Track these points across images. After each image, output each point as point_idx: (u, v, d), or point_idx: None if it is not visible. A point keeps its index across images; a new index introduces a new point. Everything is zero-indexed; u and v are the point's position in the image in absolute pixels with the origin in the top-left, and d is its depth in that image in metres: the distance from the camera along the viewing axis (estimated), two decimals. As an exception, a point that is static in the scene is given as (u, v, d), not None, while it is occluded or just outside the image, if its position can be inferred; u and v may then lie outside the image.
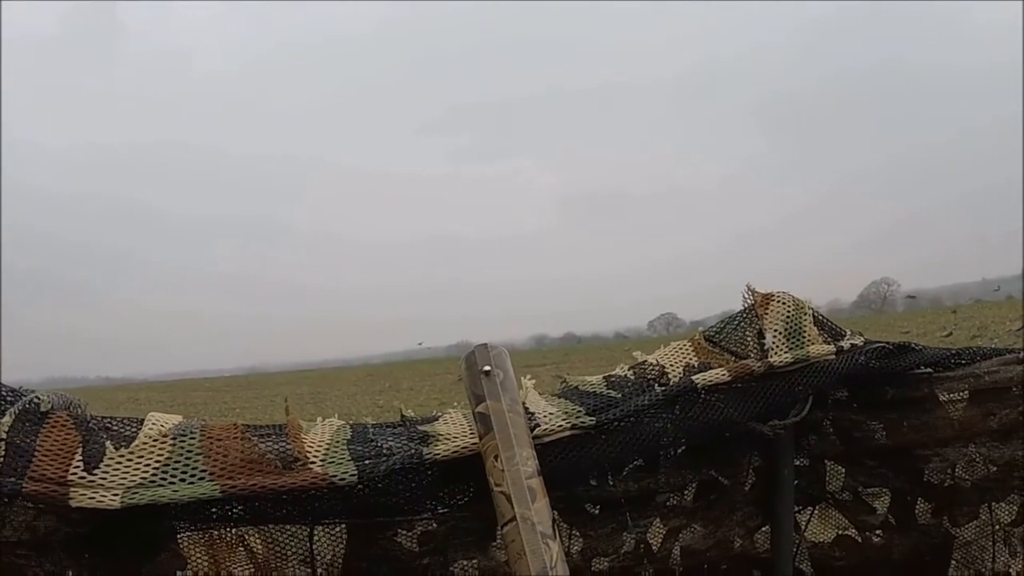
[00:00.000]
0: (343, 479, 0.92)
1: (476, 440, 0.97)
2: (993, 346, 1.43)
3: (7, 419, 0.89)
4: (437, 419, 1.04)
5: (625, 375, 1.14)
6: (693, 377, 1.11)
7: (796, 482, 1.43)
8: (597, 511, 1.22)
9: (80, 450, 0.90)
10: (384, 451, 0.95)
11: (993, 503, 1.42)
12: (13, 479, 0.86)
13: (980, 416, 1.36)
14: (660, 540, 1.29)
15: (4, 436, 0.88)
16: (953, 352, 1.39)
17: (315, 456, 0.94)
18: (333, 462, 0.94)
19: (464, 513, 1.10)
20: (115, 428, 0.95)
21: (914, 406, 1.37)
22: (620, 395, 1.09)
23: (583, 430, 1.03)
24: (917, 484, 1.42)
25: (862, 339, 1.32)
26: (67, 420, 0.92)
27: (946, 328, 15.75)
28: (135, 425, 0.95)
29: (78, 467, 0.89)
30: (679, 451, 1.26)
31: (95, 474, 0.89)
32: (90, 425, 0.93)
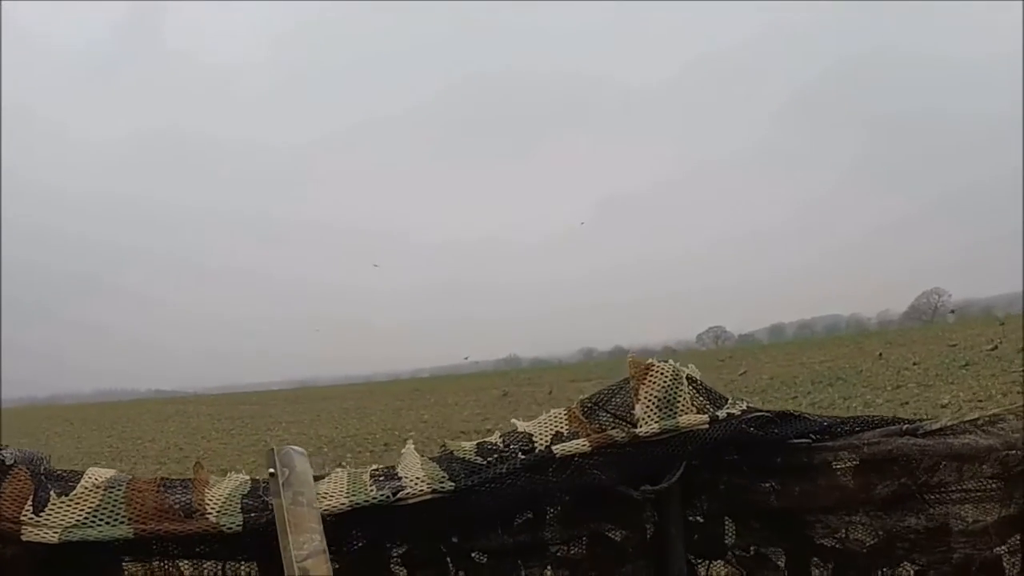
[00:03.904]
0: (231, 528, 1.13)
1: (346, 499, 1.16)
2: (880, 415, 1.48)
3: None
4: (324, 478, 1.23)
5: (495, 443, 1.29)
6: (554, 447, 1.25)
7: (695, 536, 1.54)
8: (485, 559, 1.38)
9: (31, 497, 1.15)
10: (268, 506, 1.15)
11: (885, 569, 1.47)
12: (-20, 517, 1.11)
13: (863, 486, 1.43)
14: (549, 588, 1.43)
15: None
16: (836, 421, 1.46)
17: (212, 508, 1.15)
18: (225, 513, 1.14)
19: (355, 556, 1.28)
20: (62, 479, 1.19)
21: (799, 472, 1.45)
22: (485, 462, 1.24)
23: (443, 494, 1.19)
24: (808, 545, 1.49)
25: (741, 407, 1.41)
26: (24, 473, 1.17)
27: (992, 341, 14.80)
28: (77, 477, 1.19)
29: (29, 510, 1.14)
30: (568, 506, 1.40)
31: (41, 516, 1.13)
32: (42, 477, 1.17)
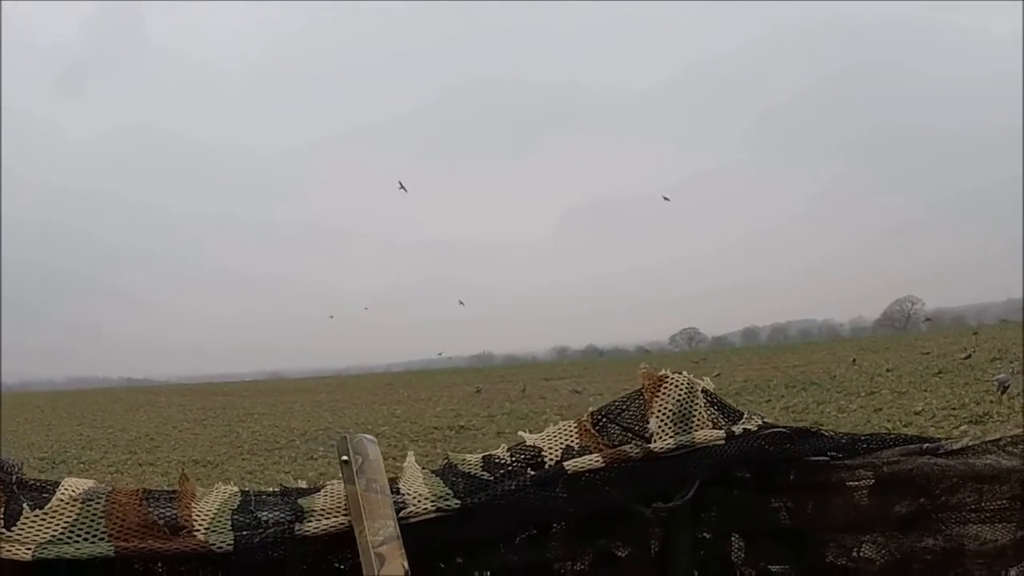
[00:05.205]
0: (220, 547, 1.04)
1: (345, 517, 1.08)
2: (902, 432, 1.44)
3: None
4: (319, 491, 1.14)
5: (502, 457, 1.22)
6: (565, 463, 1.19)
7: (702, 553, 1.48)
8: (488, 576, 1.31)
9: (2, 510, 1.04)
10: (262, 523, 1.06)
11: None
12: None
13: (880, 505, 1.38)
14: (554, 606, 1.36)
15: None
16: (856, 439, 1.41)
17: (200, 524, 1.06)
18: (214, 531, 1.05)
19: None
20: (36, 490, 1.09)
21: (813, 490, 1.40)
22: (492, 478, 1.17)
23: (449, 512, 1.11)
24: (819, 565, 1.45)
25: (757, 423, 1.36)
26: (-7, 482, 1.06)
27: (966, 350, 15.26)
28: (53, 488, 1.09)
29: (-1, 524, 1.03)
30: (574, 522, 1.34)
31: (12, 531, 1.03)
32: (14, 487, 1.07)
